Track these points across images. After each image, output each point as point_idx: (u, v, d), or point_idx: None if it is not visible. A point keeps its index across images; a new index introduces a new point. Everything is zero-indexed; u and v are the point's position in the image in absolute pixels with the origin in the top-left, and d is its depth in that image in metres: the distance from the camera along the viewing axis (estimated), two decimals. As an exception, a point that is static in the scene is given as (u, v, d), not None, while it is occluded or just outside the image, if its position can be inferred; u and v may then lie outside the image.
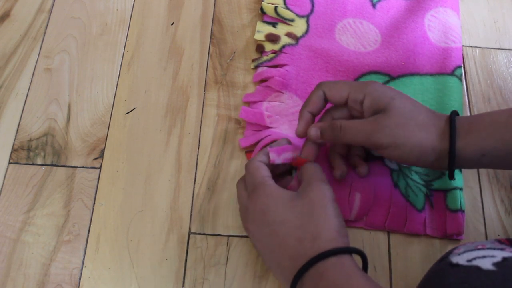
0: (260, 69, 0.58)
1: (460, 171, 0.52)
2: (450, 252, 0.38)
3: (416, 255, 0.49)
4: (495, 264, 0.33)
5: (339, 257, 0.39)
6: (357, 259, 0.41)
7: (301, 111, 0.48)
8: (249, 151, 0.54)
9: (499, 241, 0.38)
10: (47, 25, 0.61)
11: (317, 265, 0.39)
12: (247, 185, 0.45)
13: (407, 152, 0.43)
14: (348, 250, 0.39)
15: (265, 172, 0.45)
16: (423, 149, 0.43)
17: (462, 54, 0.60)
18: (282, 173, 0.50)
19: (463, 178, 0.53)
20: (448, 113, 0.43)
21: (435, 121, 0.44)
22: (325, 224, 0.41)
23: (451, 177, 0.45)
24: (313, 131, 0.47)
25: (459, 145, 0.42)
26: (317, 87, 0.48)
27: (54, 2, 0.62)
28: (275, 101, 0.56)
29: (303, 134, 0.48)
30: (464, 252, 0.36)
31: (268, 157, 0.47)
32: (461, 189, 0.51)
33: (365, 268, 0.42)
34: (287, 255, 0.40)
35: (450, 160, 0.42)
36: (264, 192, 0.43)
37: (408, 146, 0.43)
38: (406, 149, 0.43)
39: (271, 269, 0.44)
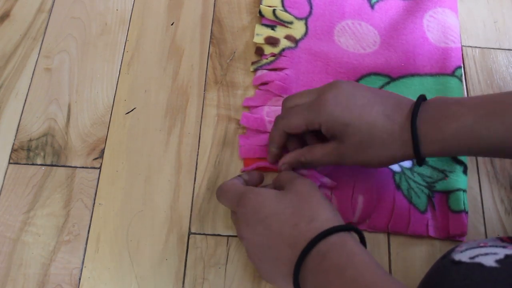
0: (259, 72, 0.57)
1: (465, 173, 0.52)
2: (452, 250, 0.38)
3: (416, 256, 0.49)
4: (497, 261, 0.33)
5: (339, 235, 0.39)
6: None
7: (268, 148, 0.50)
8: (247, 158, 0.53)
9: (501, 239, 0.38)
10: (47, 25, 0.61)
11: (318, 246, 0.39)
12: (231, 202, 0.46)
13: (374, 165, 0.46)
14: (347, 228, 0.40)
15: (243, 185, 0.47)
16: (389, 161, 0.45)
17: (462, 54, 0.60)
18: None
19: (463, 178, 0.53)
20: None
21: (396, 134, 0.43)
22: (319, 206, 0.41)
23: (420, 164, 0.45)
24: (284, 168, 0.49)
25: (422, 153, 0.43)
26: (275, 125, 0.49)
27: (54, 2, 0.62)
28: (276, 106, 0.55)
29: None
30: (466, 249, 0.36)
31: (241, 181, 0.49)
32: (464, 190, 0.51)
33: (363, 245, 0.42)
34: (285, 245, 0.40)
35: (418, 160, 0.44)
36: (252, 193, 0.44)
37: (373, 164, 0.45)
38: (372, 164, 0.45)
39: (267, 275, 0.43)
